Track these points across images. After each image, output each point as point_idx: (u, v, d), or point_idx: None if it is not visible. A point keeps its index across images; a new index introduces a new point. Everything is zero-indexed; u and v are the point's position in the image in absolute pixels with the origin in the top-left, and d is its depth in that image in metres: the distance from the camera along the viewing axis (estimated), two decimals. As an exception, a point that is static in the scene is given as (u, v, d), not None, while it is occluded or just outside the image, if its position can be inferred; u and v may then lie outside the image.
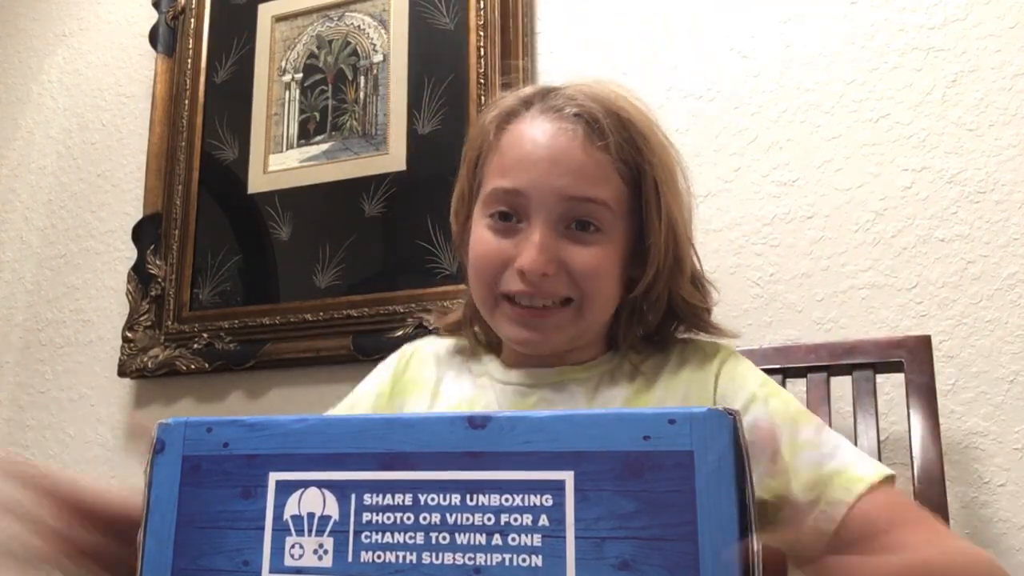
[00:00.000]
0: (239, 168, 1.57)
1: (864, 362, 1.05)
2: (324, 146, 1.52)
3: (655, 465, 0.39)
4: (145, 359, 1.54)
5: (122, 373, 1.56)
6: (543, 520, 0.40)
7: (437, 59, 1.47)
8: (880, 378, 1.07)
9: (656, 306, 0.79)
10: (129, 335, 1.56)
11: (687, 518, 0.38)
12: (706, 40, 1.35)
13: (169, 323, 1.54)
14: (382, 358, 1.37)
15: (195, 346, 1.51)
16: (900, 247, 1.19)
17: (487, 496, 0.41)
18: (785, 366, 1.08)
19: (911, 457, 0.99)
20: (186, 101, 1.63)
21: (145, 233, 1.61)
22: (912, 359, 1.03)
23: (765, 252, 1.25)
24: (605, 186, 0.74)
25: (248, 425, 0.45)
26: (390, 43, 1.51)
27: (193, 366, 1.51)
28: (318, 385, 1.44)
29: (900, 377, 1.04)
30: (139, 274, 1.59)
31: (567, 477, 0.40)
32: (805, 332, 1.20)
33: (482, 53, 1.42)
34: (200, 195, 1.59)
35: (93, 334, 1.65)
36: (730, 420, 0.39)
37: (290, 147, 1.55)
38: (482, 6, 1.44)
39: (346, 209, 1.48)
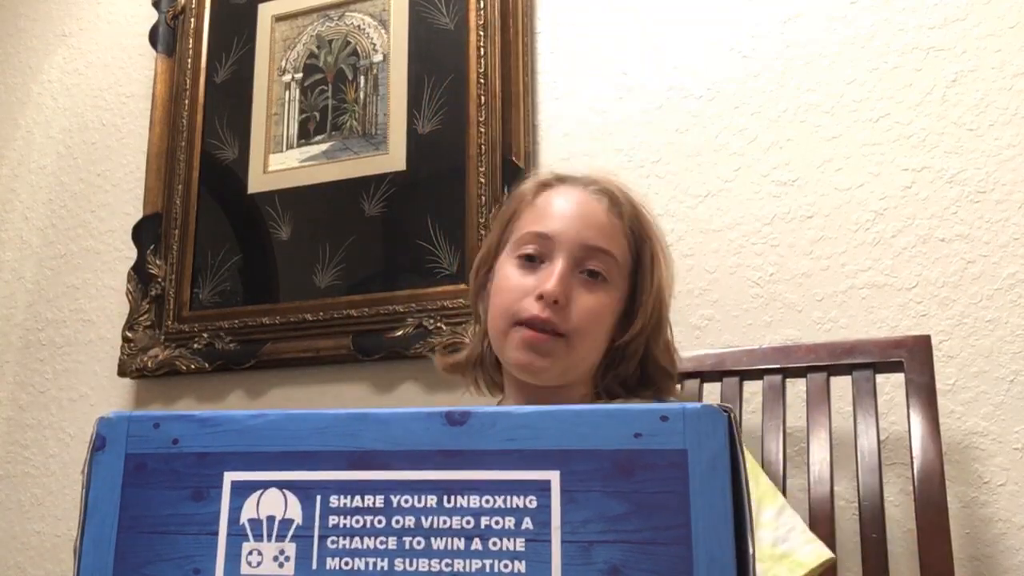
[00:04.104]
0: (239, 168, 1.57)
1: (864, 362, 1.05)
2: (324, 146, 1.52)
3: (647, 464, 0.37)
4: (145, 359, 1.54)
5: (122, 373, 1.56)
6: (527, 523, 0.37)
7: (437, 59, 1.47)
8: (880, 378, 1.07)
9: (632, 358, 0.88)
10: (129, 335, 1.56)
11: (680, 520, 0.36)
12: (706, 40, 1.35)
13: (169, 323, 1.54)
14: (382, 358, 1.39)
15: (195, 346, 1.51)
16: (900, 247, 1.19)
17: (466, 497, 0.38)
18: (785, 366, 1.08)
19: (911, 457, 0.99)
20: (186, 101, 1.63)
21: (145, 233, 1.61)
22: (912, 359, 1.03)
23: (765, 252, 1.25)
24: (617, 244, 0.88)
25: (200, 420, 0.41)
26: (390, 43, 1.51)
27: (193, 366, 1.51)
28: (318, 385, 1.44)
29: (900, 377, 1.04)
30: (139, 274, 1.59)
31: (553, 477, 0.38)
32: (805, 332, 1.20)
33: (482, 53, 1.42)
34: (200, 195, 1.59)
35: (93, 334, 1.65)
36: (725, 418, 0.37)
37: (290, 147, 1.55)
38: (482, 6, 1.44)
39: (346, 209, 1.47)
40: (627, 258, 0.89)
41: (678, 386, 0.94)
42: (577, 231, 0.86)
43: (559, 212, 0.89)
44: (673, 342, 0.93)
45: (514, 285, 0.87)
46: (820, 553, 0.79)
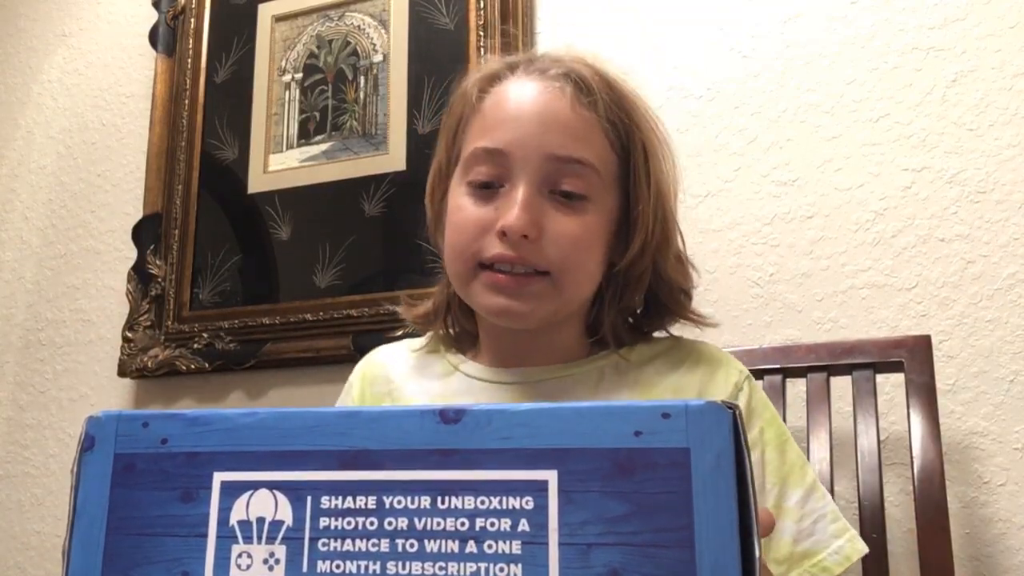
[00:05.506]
0: (239, 168, 1.57)
1: (864, 362, 1.05)
2: (324, 146, 1.52)
3: (647, 464, 0.36)
4: (145, 359, 1.54)
5: (122, 373, 1.56)
6: (523, 525, 0.36)
7: (437, 59, 1.47)
8: (880, 378, 1.07)
9: (639, 283, 0.73)
10: (129, 335, 1.56)
11: (683, 522, 0.35)
12: (706, 40, 1.35)
13: (169, 323, 1.54)
14: (382, 358, 1.39)
15: (195, 346, 1.51)
16: (900, 247, 1.19)
17: (460, 498, 0.37)
18: (785, 366, 1.08)
19: (911, 457, 0.99)
20: (186, 101, 1.63)
21: (145, 233, 1.61)
22: (912, 359, 1.03)
23: (765, 252, 1.25)
24: (593, 147, 0.70)
25: (190, 419, 0.40)
26: (390, 43, 1.51)
27: (193, 366, 1.51)
28: (318, 385, 1.44)
29: (900, 377, 1.04)
30: (139, 274, 1.59)
31: (550, 477, 0.36)
32: (805, 332, 1.20)
33: (482, 53, 1.42)
34: (200, 195, 1.59)
35: (93, 334, 1.65)
36: (730, 415, 0.36)
37: (290, 147, 1.55)
38: (482, 6, 1.44)
39: (346, 209, 1.47)
40: (611, 161, 0.71)
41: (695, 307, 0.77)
42: (538, 140, 0.68)
43: (512, 116, 0.70)
44: (684, 249, 0.76)
45: (468, 219, 0.70)
46: (849, 554, 0.69)
